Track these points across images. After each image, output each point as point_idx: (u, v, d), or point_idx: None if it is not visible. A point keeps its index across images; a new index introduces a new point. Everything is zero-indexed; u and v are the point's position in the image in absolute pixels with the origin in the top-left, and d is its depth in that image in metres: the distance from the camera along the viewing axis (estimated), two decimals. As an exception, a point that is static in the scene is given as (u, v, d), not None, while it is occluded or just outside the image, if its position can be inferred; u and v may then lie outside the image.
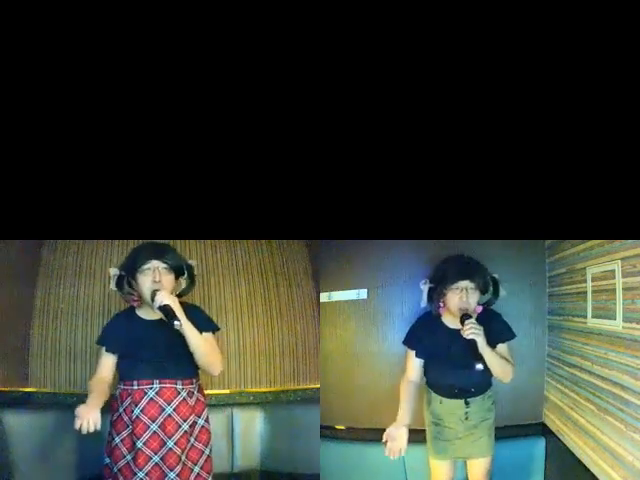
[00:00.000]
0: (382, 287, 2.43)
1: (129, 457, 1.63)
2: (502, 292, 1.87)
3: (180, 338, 1.60)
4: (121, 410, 1.67)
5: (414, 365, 1.90)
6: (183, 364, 1.67)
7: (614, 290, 1.56)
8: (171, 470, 1.61)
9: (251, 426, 2.38)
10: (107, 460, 1.68)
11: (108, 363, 1.70)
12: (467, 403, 1.84)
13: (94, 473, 1.80)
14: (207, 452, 1.73)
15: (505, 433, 2.12)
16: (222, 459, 2.30)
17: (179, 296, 1.73)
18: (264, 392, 2.51)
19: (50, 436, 2.05)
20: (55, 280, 2.41)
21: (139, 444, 1.61)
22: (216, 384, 2.45)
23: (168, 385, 1.66)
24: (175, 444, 1.63)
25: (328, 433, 2.35)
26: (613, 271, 1.57)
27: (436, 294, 1.84)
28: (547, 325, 2.32)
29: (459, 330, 1.71)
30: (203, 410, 1.75)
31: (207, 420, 1.75)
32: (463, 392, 1.84)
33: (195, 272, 1.79)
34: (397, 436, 1.64)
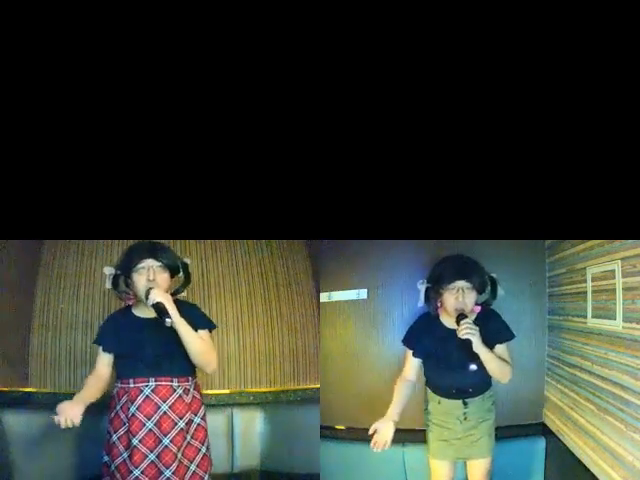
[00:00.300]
0: (382, 287, 2.43)
1: (125, 455, 1.63)
2: (500, 292, 1.87)
3: (176, 336, 1.61)
4: (118, 408, 1.68)
5: (411, 364, 1.90)
6: (179, 362, 1.68)
7: (614, 290, 1.56)
8: (167, 468, 1.61)
9: (251, 426, 2.39)
10: (106, 458, 1.69)
11: (105, 362, 1.72)
12: (465, 404, 1.84)
13: (94, 473, 1.80)
14: (204, 450, 1.73)
15: (505, 433, 2.12)
16: (222, 459, 2.30)
17: (175, 294, 1.74)
18: (264, 392, 2.52)
19: (50, 436, 2.05)
20: (55, 280, 2.41)
21: (135, 442, 1.61)
22: (216, 384, 2.45)
23: (164, 383, 1.67)
24: (171, 442, 1.63)
25: (328, 433, 2.35)
26: (613, 271, 1.57)
27: (433, 294, 1.84)
28: (547, 325, 2.32)
29: (457, 330, 1.71)
30: (200, 408, 1.75)
31: (204, 418, 1.76)
32: (461, 392, 1.84)
33: (190, 270, 1.80)
34: (383, 430, 1.66)
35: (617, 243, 1.55)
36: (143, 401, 1.65)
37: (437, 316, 1.88)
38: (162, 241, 1.75)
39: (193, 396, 1.73)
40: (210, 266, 2.54)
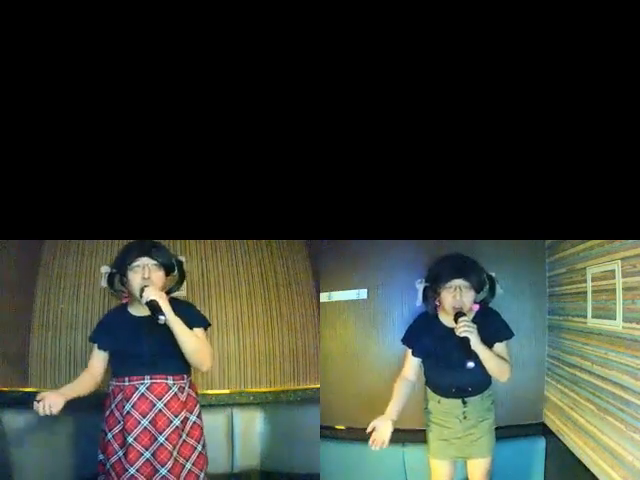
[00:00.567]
0: (382, 287, 2.43)
1: (121, 453, 1.63)
2: (499, 290, 1.87)
3: (171, 334, 1.62)
4: (113, 406, 1.68)
5: (411, 363, 1.91)
6: (174, 360, 1.68)
7: (614, 290, 1.56)
8: (162, 466, 1.61)
9: (251, 426, 2.39)
10: (101, 456, 1.70)
11: (99, 360, 1.74)
12: (464, 403, 1.84)
13: (93, 473, 1.79)
14: (199, 448, 1.74)
15: (505, 433, 2.12)
16: (222, 459, 2.30)
17: (170, 292, 1.75)
18: (264, 392, 2.51)
19: (50, 436, 2.05)
20: (55, 280, 2.41)
21: (130, 439, 1.61)
22: (216, 384, 2.45)
23: (159, 380, 1.67)
24: (166, 439, 1.63)
25: (328, 433, 2.35)
26: (613, 271, 1.57)
27: (431, 293, 1.85)
28: (547, 325, 2.32)
29: (455, 328, 1.71)
30: (195, 406, 1.75)
31: (199, 416, 1.76)
32: (460, 391, 1.84)
33: (185, 268, 1.82)
34: (381, 428, 1.67)
35: (617, 243, 1.55)
36: (138, 399, 1.65)
37: (436, 315, 1.89)
38: (161, 241, 1.75)
39: (188, 394, 1.74)
40: (210, 266, 2.54)
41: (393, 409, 1.75)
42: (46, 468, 2.06)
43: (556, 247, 2.22)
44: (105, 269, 1.78)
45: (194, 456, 1.72)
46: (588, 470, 1.74)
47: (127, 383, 1.67)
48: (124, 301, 1.79)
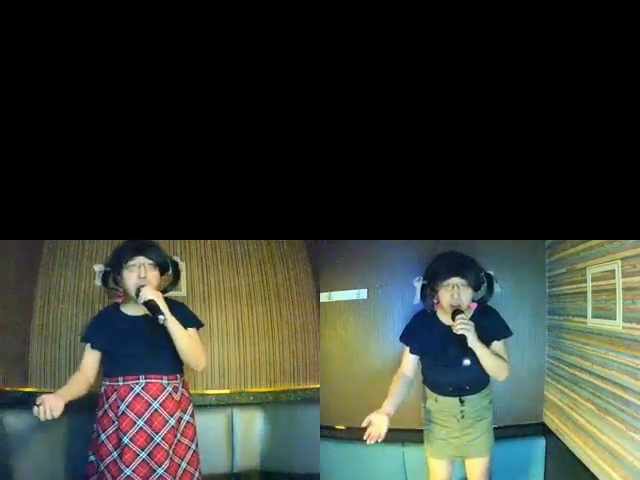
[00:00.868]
0: (382, 287, 2.43)
1: (115, 454, 1.63)
2: (497, 288, 1.87)
3: (165, 334, 1.62)
4: (107, 406, 1.67)
5: (408, 361, 1.91)
6: (168, 359, 1.69)
7: (614, 290, 1.56)
8: (159, 466, 1.61)
9: (251, 426, 2.39)
10: (92, 458, 1.69)
11: (92, 360, 1.72)
12: (462, 401, 1.84)
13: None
14: (193, 447, 1.74)
15: (505, 433, 2.12)
16: (222, 459, 2.30)
17: (164, 292, 1.75)
18: (264, 392, 2.51)
19: (50, 436, 2.05)
20: (55, 280, 2.41)
21: (125, 440, 1.61)
22: (216, 384, 2.45)
23: (154, 380, 1.67)
24: (162, 439, 1.63)
25: (328, 433, 2.35)
26: (613, 271, 1.57)
27: (429, 291, 1.85)
28: (547, 325, 2.32)
29: (452, 326, 1.71)
30: (188, 405, 1.76)
31: (192, 415, 1.77)
32: (458, 390, 1.84)
33: (181, 269, 1.83)
34: (377, 422, 1.66)
35: (617, 243, 1.55)
36: (133, 399, 1.65)
37: (434, 313, 1.89)
38: (162, 241, 1.75)
39: (182, 394, 1.74)
40: (210, 266, 2.54)
41: (389, 404, 1.75)
42: (46, 468, 2.05)
43: (556, 247, 2.22)
44: (99, 267, 1.78)
45: (189, 455, 1.72)
46: (588, 470, 1.74)
47: (121, 383, 1.66)
48: (117, 300, 1.78)
